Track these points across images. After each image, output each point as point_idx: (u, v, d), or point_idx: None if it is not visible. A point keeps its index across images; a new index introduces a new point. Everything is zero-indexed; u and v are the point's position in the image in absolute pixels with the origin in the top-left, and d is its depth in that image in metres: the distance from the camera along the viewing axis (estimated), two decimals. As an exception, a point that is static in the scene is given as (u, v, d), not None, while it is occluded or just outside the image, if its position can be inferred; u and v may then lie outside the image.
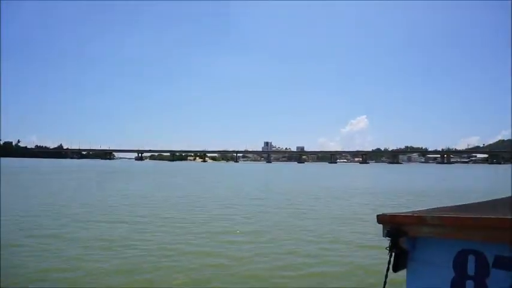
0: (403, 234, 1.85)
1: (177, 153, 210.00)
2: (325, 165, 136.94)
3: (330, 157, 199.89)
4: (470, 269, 1.66)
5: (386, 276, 1.95)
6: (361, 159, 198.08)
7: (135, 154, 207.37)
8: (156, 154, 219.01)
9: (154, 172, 59.86)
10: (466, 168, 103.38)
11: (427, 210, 2.06)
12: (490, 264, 1.60)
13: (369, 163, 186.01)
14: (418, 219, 1.82)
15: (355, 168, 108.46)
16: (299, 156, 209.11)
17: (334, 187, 31.18)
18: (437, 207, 2.24)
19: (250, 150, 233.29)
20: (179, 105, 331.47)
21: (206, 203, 18.69)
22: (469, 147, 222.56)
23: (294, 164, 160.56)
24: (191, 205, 17.71)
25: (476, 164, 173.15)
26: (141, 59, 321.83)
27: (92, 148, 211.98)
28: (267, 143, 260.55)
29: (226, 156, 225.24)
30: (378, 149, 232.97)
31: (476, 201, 2.44)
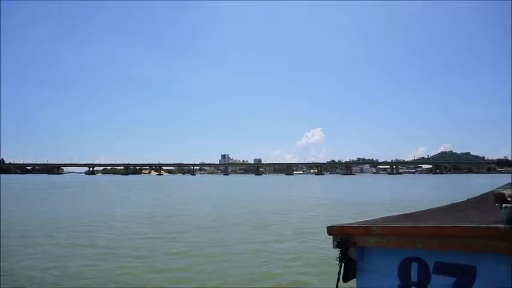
0: (352, 244, 1.91)
1: (131, 167, 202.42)
2: (282, 177, 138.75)
3: (287, 169, 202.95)
4: (414, 276, 1.73)
5: (337, 286, 2.00)
6: (316, 170, 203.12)
7: (86, 168, 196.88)
8: (109, 168, 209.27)
9: (101, 187, 57.10)
10: (413, 178, 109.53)
11: (374, 220, 2.15)
12: (431, 271, 1.67)
13: (324, 174, 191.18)
14: (365, 229, 1.89)
15: (312, 179, 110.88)
16: (256, 168, 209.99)
17: (291, 198, 31.60)
18: (385, 217, 2.35)
19: (208, 162, 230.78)
20: (134, 117, 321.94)
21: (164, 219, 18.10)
22: (416, 158, 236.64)
23: (252, 176, 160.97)
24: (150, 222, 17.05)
25: (422, 174, 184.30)
26: (94, 70, 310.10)
27: (37, 163, 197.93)
28: (224, 156, 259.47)
29: (182, 169, 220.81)
30: (333, 161, 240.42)
31: (420, 209, 2.59)
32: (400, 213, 2.43)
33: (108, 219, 17.44)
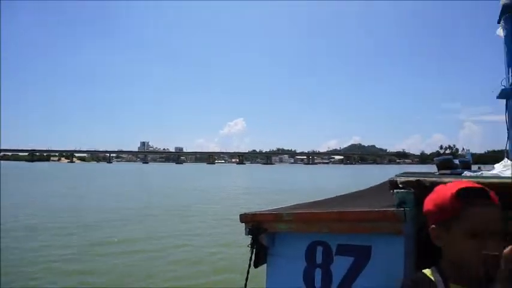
0: (263, 231, 1.98)
1: (37, 153, 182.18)
2: (203, 166, 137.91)
3: (209, 158, 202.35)
4: (318, 258, 1.86)
5: (248, 272, 2.05)
6: (238, 160, 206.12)
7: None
8: (10, 154, 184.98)
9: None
10: (327, 168, 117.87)
11: (285, 208, 2.24)
12: (334, 252, 1.81)
13: (245, 164, 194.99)
14: (275, 216, 1.98)
15: (233, 168, 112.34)
16: (177, 156, 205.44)
17: (212, 188, 31.62)
18: (296, 204, 2.46)
19: (125, 150, 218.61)
20: (44, 100, 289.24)
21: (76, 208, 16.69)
22: (329, 149, 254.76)
23: (172, 165, 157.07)
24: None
25: (335, 165, 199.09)
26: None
27: None
28: (143, 143, 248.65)
29: (97, 156, 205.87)
30: (254, 151, 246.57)
31: (329, 196, 2.76)
32: (310, 201, 2.56)
33: None
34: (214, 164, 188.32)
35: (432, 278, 1.08)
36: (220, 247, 9.67)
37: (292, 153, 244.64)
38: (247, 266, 2.02)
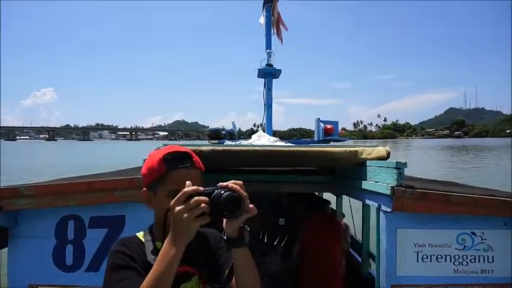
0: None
1: None
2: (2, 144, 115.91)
3: (8, 133, 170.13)
4: (70, 233, 1.79)
5: None
6: (47, 136, 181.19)
7: None
8: None
9: None
10: (151, 144, 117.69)
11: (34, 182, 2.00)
12: (86, 226, 1.79)
13: (57, 140, 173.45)
14: (11, 191, 1.75)
15: (41, 147, 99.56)
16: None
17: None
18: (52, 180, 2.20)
19: None
20: None
21: None
22: (153, 125, 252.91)
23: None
24: None
25: (159, 141, 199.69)
26: None
27: None
28: None
29: None
30: (68, 126, 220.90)
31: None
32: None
33: None
34: (15, 140, 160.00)
35: (143, 239, 1.14)
36: None
37: (113, 129, 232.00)
38: None
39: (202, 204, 0.93)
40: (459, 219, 1.73)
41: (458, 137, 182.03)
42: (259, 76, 3.93)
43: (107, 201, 1.73)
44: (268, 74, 3.87)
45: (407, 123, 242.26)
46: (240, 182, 1.01)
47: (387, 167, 1.72)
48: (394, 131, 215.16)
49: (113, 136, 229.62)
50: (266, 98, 3.90)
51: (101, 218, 1.78)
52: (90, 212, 1.78)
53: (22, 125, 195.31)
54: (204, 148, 1.89)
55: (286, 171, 2.70)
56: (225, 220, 1.03)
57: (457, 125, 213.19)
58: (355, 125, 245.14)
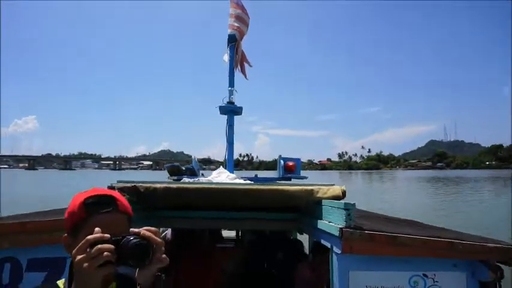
0: None
1: None
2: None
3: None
4: (6, 277, 1.64)
5: None
6: (27, 165, 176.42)
7: None
8: None
9: None
10: (135, 174, 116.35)
11: None
12: (24, 269, 1.65)
13: (37, 169, 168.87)
14: None
15: (20, 175, 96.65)
16: None
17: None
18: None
19: None
20: None
21: None
22: (138, 155, 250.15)
23: None
24: None
25: (143, 170, 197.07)
26: None
27: None
28: None
29: None
30: (49, 154, 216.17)
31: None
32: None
33: None
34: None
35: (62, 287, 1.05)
36: None
37: (96, 158, 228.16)
38: None
39: (105, 253, 0.86)
40: (411, 261, 1.70)
41: (440, 168, 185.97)
42: (221, 113, 3.91)
43: (46, 242, 1.61)
44: (230, 111, 3.89)
45: (391, 154, 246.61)
46: (154, 228, 0.95)
47: (338, 208, 1.70)
48: (378, 162, 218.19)
49: (96, 165, 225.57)
50: (228, 134, 3.87)
51: (40, 260, 1.66)
52: (29, 253, 1.66)
53: (1, 154, 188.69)
54: (158, 185, 1.84)
55: (250, 207, 2.66)
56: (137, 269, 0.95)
57: (439, 156, 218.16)
58: (340, 155, 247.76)
